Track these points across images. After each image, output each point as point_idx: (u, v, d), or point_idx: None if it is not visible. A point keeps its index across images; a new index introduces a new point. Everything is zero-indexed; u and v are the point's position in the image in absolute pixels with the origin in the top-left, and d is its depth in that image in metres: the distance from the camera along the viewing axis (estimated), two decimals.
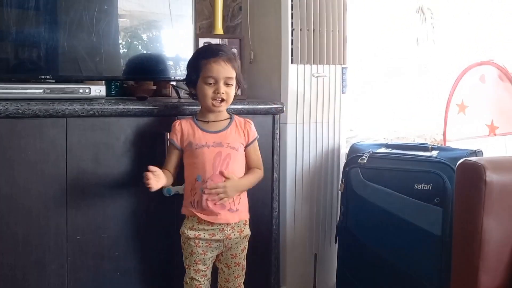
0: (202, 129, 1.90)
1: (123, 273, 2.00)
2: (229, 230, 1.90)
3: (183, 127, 1.90)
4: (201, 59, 1.89)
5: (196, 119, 1.93)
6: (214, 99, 1.86)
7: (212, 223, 1.88)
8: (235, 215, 1.91)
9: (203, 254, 1.90)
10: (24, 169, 1.82)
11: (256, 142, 1.99)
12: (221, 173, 1.86)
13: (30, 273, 1.86)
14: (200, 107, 1.95)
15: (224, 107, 1.90)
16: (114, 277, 1.99)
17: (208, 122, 1.92)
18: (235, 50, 2.31)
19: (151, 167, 1.80)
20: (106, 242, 1.96)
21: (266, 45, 2.47)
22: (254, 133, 1.98)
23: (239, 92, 2.04)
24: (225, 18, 2.64)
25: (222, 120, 1.94)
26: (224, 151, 1.88)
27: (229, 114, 1.96)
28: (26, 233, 1.84)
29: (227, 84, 1.87)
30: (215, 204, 1.86)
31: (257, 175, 1.98)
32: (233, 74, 1.89)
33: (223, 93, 1.86)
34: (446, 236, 2.13)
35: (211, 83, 1.86)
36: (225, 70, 1.87)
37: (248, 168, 1.98)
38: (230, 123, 1.94)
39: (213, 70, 1.86)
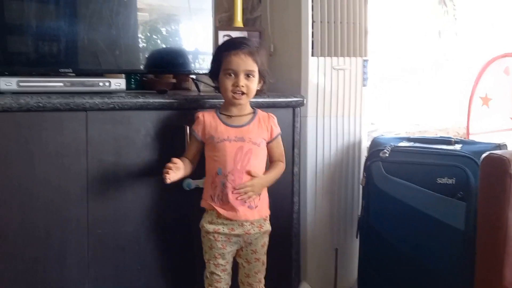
0: (224, 123, 1.89)
1: (144, 266, 2.00)
2: (249, 225, 1.89)
3: (206, 120, 1.89)
4: (223, 51, 1.88)
5: (220, 113, 1.92)
6: (234, 92, 1.85)
7: (230, 218, 1.87)
8: (255, 212, 1.89)
9: (223, 248, 1.89)
10: (44, 162, 1.82)
11: (279, 137, 1.97)
12: (248, 173, 1.86)
13: (51, 266, 1.86)
14: (223, 100, 1.95)
15: (245, 100, 1.89)
16: (134, 270, 1.99)
17: (231, 116, 1.90)
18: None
19: (174, 159, 1.80)
20: (126, 235, 1.97)
21: (286, 38, 2.45)
22: (277, 129, 1.96)
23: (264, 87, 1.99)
24: (245, 10, 2.62)
25: (245, 114, 1.92)
26: (246, 146, 1.87)
27: (252, 108, 1.95)
28: (46, 227, 1.85)
29: (247, 77, 1.86)
30: (236, 198, 1.85)
31: (280, 169, 1.98)
32: (254, 67, 1.87)
33: (242, 86, 1.84)
34: (470, 231, 2.10)
35: (230, 76, 1.85)
36: (244, 63, 1.85)
37: (271, 161, 1.97)
38: (253, 118, 1.93)
39: (232, 63, 1.84)
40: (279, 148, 1.98)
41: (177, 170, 1.80)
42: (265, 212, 1.94)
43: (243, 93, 1.86)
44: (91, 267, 1.92)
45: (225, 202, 1.86)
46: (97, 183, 1.90)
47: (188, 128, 1.95)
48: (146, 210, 1.99)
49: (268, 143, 1.94)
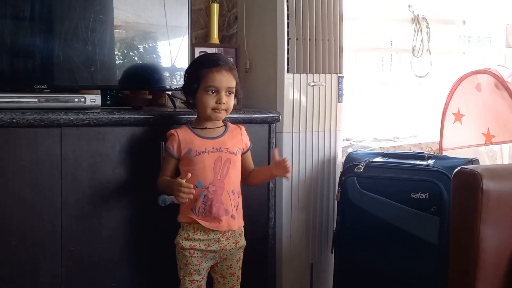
0: (200, 136, 1.89)
1: (118, 283, 1.99)
2: (225, 241, 1.89)
3: (180, 135, 1.89)
4: (203, 68, 1.87)
5: (192, 127, 1.92)
6: (215, 108, 1.86)
7: (207, 233, 1.86)
8: (235, 221, 1.90)
9: (198, 264, 1.89)
10: (18, 178, 1.81)
11: (250, 151, 2.01)
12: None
13: (23, 284, 1.84)
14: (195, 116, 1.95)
15: (223, 116, 1.90)
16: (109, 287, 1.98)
17: (205, 128, 1.91)
18: (231, 59, 2.31)
19: (183, 182, 1.78)
20: (100, 252, 1.95)
21: (262, 54, 2.47)
22: (248, 141, 1.99)
23: (235, 102, 2.03)
24: (221, 27, 2.64)
25: (219, 127, 1.93)
26: (224, 156, 1.88)
27: (223, 122, 1.96)
28: (19, 243, 1.82)
29: (228, 94, 1.87)
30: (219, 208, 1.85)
31: None
32: (234, 84, 1.89)
33: (224, 103, 1.86)
34: (443, 245, 2.13)
35: (212, 93, 1.86)
36: (227, 80, 1.86)
37: (247, 172, 1.99)
38: (226, 129, 1.94)
39: (215, 80, 1.85)
40: (251, 161, 2.02)
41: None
42: (242, 222, 1.94)
43: (223, 110, 1.87)
44: (65, 284, 1.90)
45: (207, 214, 1.85)
46: (71, 199, 1.88)
47: (163, 144, 1.95)
48: (121, 227, 1.97)
49: (243, 153, 1.96)
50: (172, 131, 1.91)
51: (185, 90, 1.94)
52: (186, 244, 1.87)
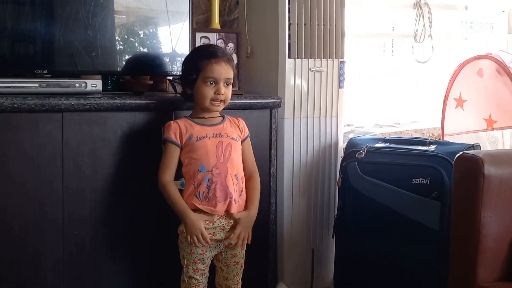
0: (200, 124, 1.89)
1: (119, 269, 2.00)
2: (230, 229, 1.89)
3: (180, 124, 1.89)
4: (202, 59, 1.87)
5: (191, 118, 1.92)
6: (213, 99, 1.86)
7: (212, 222, 1.86)
8: (238, 206, 1.89)
9: (203, 253, 1.89)
10: (19, 163, 1.81)
11: (249, 140, 2.00)
12: (232, 217, 1.88)
13: (25, 269, 1.85)
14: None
15: (221, 107, 1.91)
16: (110, 273, 1.98)
17: (204, 118, 1.91)
18: (231, 45, 2.31)
19: (206, 235, 1.83)
20: (102, 238, 1.96)
21: (263, 40, 2.46)
22: (247, 130, 1.99)
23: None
24: (222, 12, 2.63)
25: (217, 117, 1.94)
26: (225, 140, 1.88)
27: (220, 114, 1.96)
28: (22, 228, 1.83)
29: (226, 85, 1.88)
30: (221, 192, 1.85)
31: (259, 187, 1.98)
32: (231, 75, 1.90)
33: (222, 94, 1.86)
34: (444, 231, 2.13)
35: (211, 84, 1.86)
36: (226, 72, 1.87)
37: (245, 169, 1.96)
38: (224, 119, 1.95)
39: (214, 71, 1.85)
40: (250, 153, 2.00)
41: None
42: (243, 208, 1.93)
43: (221, 101, 1.87)
44: (67, 269, 1.91)
45: (212, 198, 1.84)
46: (72, 184, 1.89)
47: (163, 129, 1.95)
48: (122, 212, 1.98)
49: (242, 142, 1.96)
50: (171, 122, 1.90)
51: (184, 81, 1.94)
52: None
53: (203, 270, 1.91)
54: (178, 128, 1.88)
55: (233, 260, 1.94)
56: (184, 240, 1.87)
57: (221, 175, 1.85)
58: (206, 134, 1.87)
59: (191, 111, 1.95)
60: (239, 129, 1.96)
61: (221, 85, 1.86)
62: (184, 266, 1.91)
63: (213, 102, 1.87)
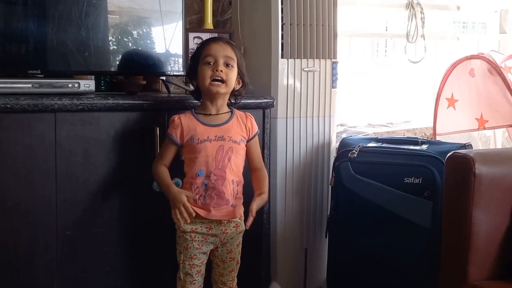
0: (203, 123, 1.88)
1: (113, 268, 2.00)
2: (226, 223, 1.89)
3: (183, 122, 1.88)
4: (203, 45, 1.92)
5: (196, 113, 1.91)
6: (213, 80, 1.85)
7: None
8: (235, 210, 1.89)
9: (199, 248, 1.89)
10: (12, 164, 1.81)
11: (257, 137, 1.99)
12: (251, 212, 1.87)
13: (18, 268, 1.85)
14: (195, 101, 1.95)
15: (223, 89, 1.87)
16: (103, 272, 1.98)
17: (209, 115, 1.90)
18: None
19: (188, 206, 1.82)
20: (95, 237, 1.96)
21: (256, 40, 2.47)
22: (255, 128, 1.97)
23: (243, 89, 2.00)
24: (215, 13, 2.63)
25: (224, 113, 1.92)
26: (226, 144, 1.87)
27: (229, 108, 1.95)
28: (14, 228, 1.83)
29: (227, 66, 1.87)
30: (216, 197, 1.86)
31: (267, 177, 2.00)
32: (233, 56, 1.88)
33: (221, 71, 1.85)
34: (436, 230, 2.14)
35: (210, 63, 1.86)
36: (223, 49, 1.87)
37: (251, 165, 1.97)
38: (231, 116, 1.93)
39: (211, 49, 1.87)
40: (257, 150, 1.99)
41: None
42: (241, 209, 1.93)
43: (222, 82, 1.86)
44: (60, 269, 1.91)
45: (207, 202, 1.85)
46: (65, 184, 1.89)
47: (157, 129, 1.96)
48: (116, 212, 1.98)
49: (247, 141, 1.95)
50: (176, 117, 1.90)
51: (189, 73, 1.97)
52: (188, 227, 1.86)
53: (200, 267, 1.91)
54: (180, 127, 1.88)
55: (229, 256, 1.94)
56: (181, 235, 1.88)
57: (218, 182, 1.85)
58: (208, 137, 1.86)
59: (187, 111, 1.94)
60: (246, 128, 1.94)
61: (220, 62, 1.85)
62: (181, 262, 1.90)
63: (213, 82, 1.85)
